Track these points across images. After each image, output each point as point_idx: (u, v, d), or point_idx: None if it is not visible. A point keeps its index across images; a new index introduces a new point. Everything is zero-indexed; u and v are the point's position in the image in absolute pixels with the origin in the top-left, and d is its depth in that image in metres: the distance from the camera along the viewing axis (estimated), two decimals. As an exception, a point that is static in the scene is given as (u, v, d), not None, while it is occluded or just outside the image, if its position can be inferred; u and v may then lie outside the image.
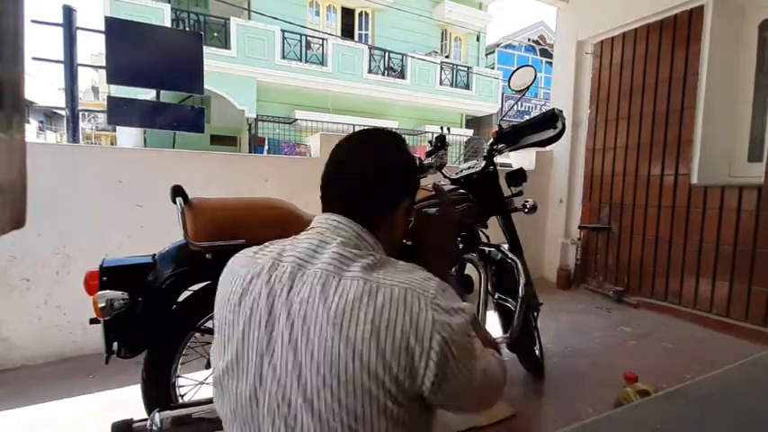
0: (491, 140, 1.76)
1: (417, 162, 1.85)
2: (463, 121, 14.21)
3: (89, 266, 1.13)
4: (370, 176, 0.73)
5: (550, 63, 5.25)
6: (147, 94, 5.90)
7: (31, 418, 1.64)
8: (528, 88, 1.67)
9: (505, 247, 1.86)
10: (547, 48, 16.39)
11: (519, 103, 7.63)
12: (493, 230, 1.84)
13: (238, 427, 0.65)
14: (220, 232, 1.15)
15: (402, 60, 12.17)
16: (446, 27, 13.97)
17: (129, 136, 10.61)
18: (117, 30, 3.09)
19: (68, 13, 3.11)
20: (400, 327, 0.59)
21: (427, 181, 1.82)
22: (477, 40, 14.56)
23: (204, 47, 3.50)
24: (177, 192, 1.12)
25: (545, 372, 2.07)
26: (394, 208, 0.76)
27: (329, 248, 0.66)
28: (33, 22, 3.09)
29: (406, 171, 0.80)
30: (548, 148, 3.17)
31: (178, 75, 3.25)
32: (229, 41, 9.98)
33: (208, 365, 1.29)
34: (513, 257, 1.77)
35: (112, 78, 3.15)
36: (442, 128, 1.91)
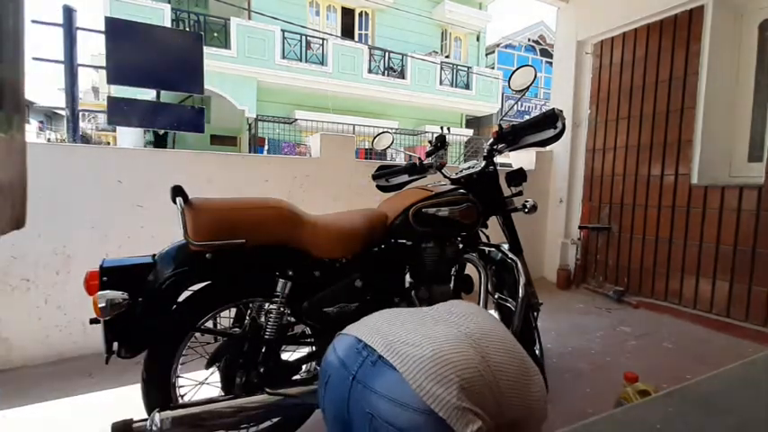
0: (491, 140, 1.76)
1: (417, 162, 1.86)
2: (463, 121, 14.20)
3: (89, 266, 1.14)
4: None
5: (550, 63, 5.25)
6: (147, 95, 5.89)
7: (31, 418, 1.64)
8: (528, 88, 1.66)
9: (505, 247, 1.86)
10: (547, 48, 16.39)
11: (519, 103, 7.60)
12: (493, 230, 1.84)
13: None
14: (220, 232, 1.15)
15: (402, 60, 12.16)
16: (446, 27, 13.96)
17: (129, 136, 10.61)
18: (117, 30, 3.08)
19: (68, 13, 3.11)
20: None
21: (427, 181, 1.83)
22: (477, 40, 14.56)
23: (204, 47, 3.49)
24: (177, 192, 1.12)
25: (545, 372, 2.06)
26: None
27: None
28: (33, 22, 3.09)
29: None
30: (548, 148, 3.17)
31: (178, 75, 3.24)
32: (229, 41, 9.98)
33: (208, 365, 1.29)
34: (513, 257, 1.77)
35: (112, 78, 3.14)
36: (442, 128, 1.91)
